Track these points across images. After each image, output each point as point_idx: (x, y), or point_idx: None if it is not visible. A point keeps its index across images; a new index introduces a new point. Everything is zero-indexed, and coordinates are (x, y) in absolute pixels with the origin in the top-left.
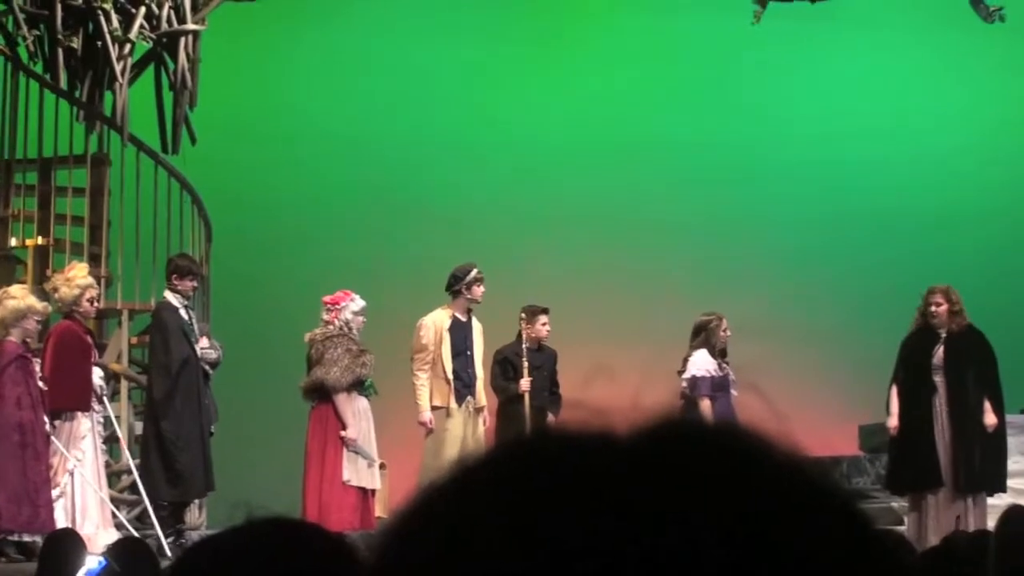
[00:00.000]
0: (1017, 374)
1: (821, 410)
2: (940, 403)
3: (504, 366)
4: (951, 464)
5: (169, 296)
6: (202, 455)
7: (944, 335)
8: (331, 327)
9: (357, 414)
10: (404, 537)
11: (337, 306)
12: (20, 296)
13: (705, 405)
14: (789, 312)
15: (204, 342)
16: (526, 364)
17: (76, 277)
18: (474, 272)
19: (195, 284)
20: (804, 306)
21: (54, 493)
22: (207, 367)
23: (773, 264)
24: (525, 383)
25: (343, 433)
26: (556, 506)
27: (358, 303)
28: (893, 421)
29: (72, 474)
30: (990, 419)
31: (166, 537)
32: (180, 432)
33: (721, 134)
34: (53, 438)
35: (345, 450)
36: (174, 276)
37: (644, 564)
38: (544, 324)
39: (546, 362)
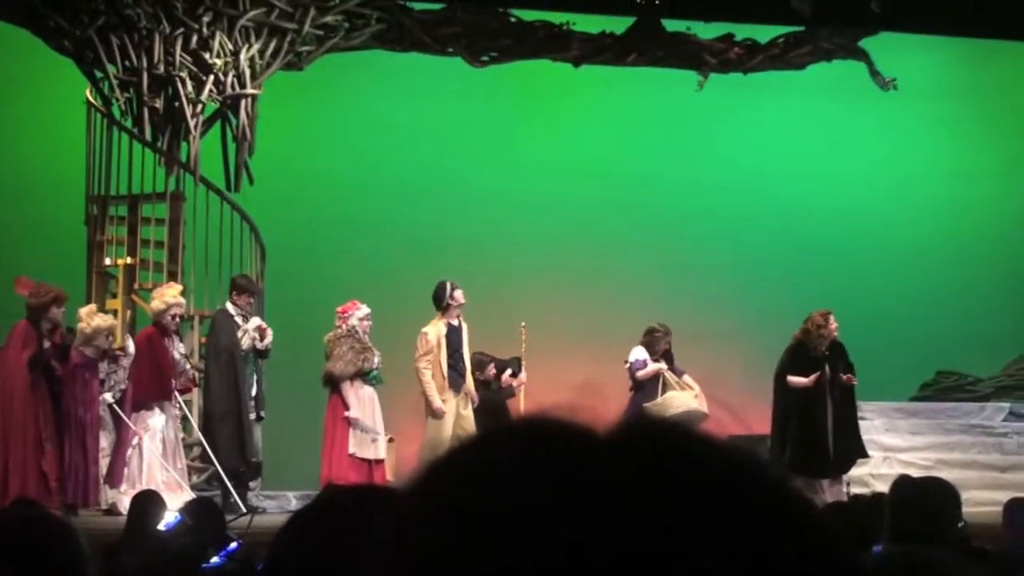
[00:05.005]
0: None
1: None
2: None
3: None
4: None
5: (229, 307)
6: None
7: None
8: (340, 329)
9: (362, 400)
10: (423, 493)
11: (346, 314)
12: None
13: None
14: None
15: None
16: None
17: (166, 294)
18: (448, 284)
19: (251, 300)
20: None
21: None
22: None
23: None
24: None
25: (346, 413)
26: (555, 495)
27: (363, 310)
28: None
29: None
30: None
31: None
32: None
33: (678, 189)
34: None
35: (350, 428)
36: (234, 292)
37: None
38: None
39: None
